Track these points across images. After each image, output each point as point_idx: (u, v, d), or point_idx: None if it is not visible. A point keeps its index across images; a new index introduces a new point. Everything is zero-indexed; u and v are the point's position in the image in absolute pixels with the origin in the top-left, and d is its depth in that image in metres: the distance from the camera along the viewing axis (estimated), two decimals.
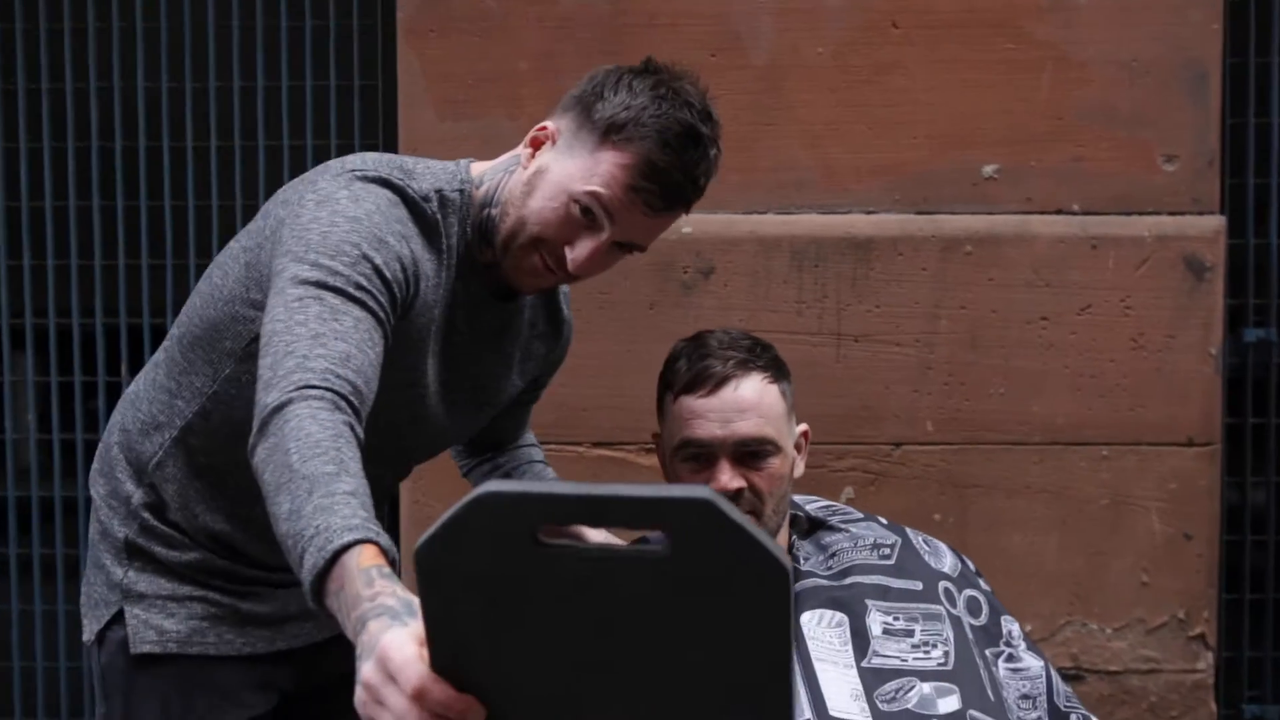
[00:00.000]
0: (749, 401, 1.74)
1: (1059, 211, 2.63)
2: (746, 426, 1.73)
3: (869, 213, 2.65)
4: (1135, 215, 2.62)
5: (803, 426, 1.85)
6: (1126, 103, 2.62)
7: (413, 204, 1.54)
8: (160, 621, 1.67)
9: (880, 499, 2.62)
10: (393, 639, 0.97)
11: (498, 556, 0.83)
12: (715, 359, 1.75)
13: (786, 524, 1.85)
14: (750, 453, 1.74)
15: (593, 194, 1.51)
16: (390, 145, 2.74)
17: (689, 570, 0.81)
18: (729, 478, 1.72)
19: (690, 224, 2.58)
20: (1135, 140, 2.62)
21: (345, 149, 2.82)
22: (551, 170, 1.54)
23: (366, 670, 0.98)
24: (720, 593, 0.82)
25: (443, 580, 0.86)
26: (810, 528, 1.89)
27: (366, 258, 1.43)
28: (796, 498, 1.95)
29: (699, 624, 0.83)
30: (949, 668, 1.71)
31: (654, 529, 0.82)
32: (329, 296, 1.38)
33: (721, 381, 1.74)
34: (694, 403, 1.75)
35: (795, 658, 1.68)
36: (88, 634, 1.71)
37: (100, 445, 1.75)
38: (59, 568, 2.94)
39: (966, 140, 2.63)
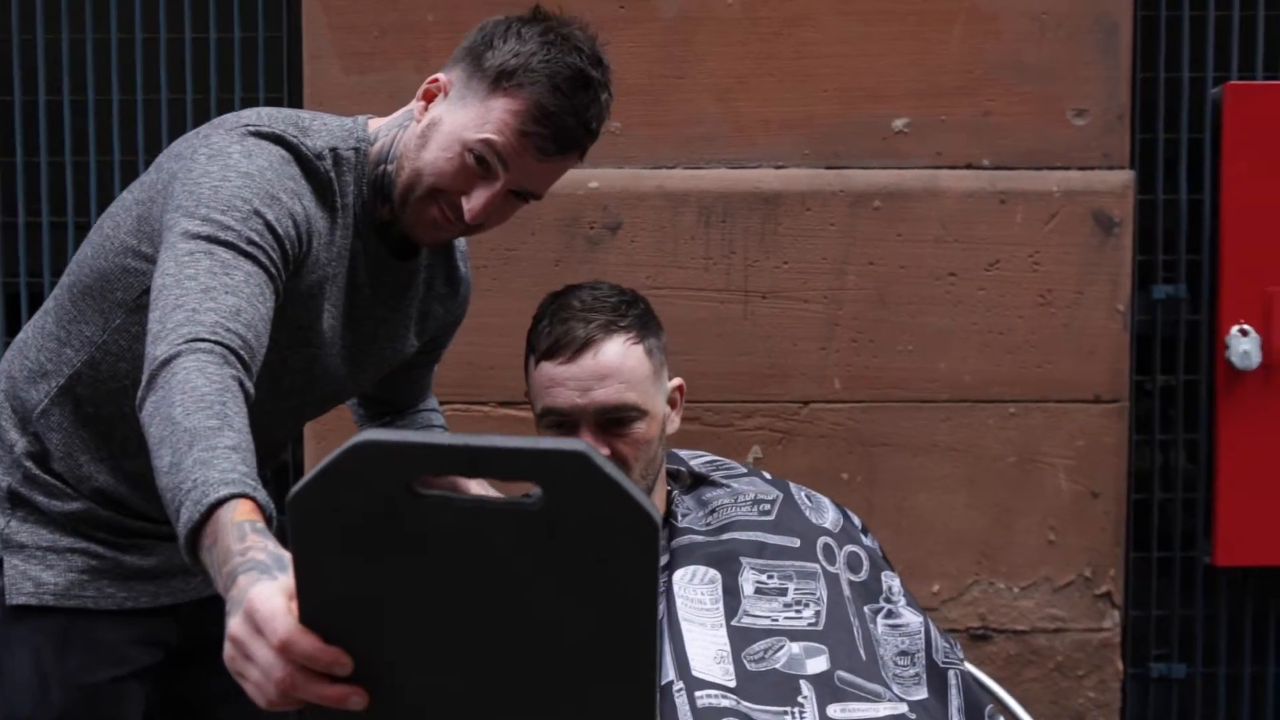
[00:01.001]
0: (609, 367, 1.70)
1: (969, 166, 2.62)
2: (606, 394, 1.70)
3: (778, 167, 2.62)
4: (1044, 170, 2.61)
5: (676, 381, 1.82)
6: (1036, 56, 2.60)
7: (306, 161, 1.55)
8: (38, 573, 1.66)
9: (788, 458, 2.60)
10: (260, 591, 0.97)
11: (372, 505, 0.84)
12: (576, 322, 1.72)
13: (663, 481, 1.83)
14: (613, 419, 1.70)
15: (486, 141, 1.53)
16: (296, 99, 2.70)
17: (562, 522, 0.83)
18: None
19: (596, 179, 2.57)
20: (1045, 94, 2.61)
21: (250, 103, 2.77)
22: (444, 121, 1.56)
23: (234, 624, 0.98)
24: (591, 546, 0.83)
25: (316, 528, 0.86)
26: (693, 483, 1.87)
27: (258, 213, 1.44)
28: (682, 453, 1.94)
29: (571, 577, 0.85)
30: (819, 627, 1.70)
31: (528, 480, 0.82)
32: (220, 251, 1.39)
33: (582, 347, 1.70)
34: (553, 369, 1.72)
35: (664, 616, 1.66)
36: None
37: None
38: None
39: (876, 94, 2.61)
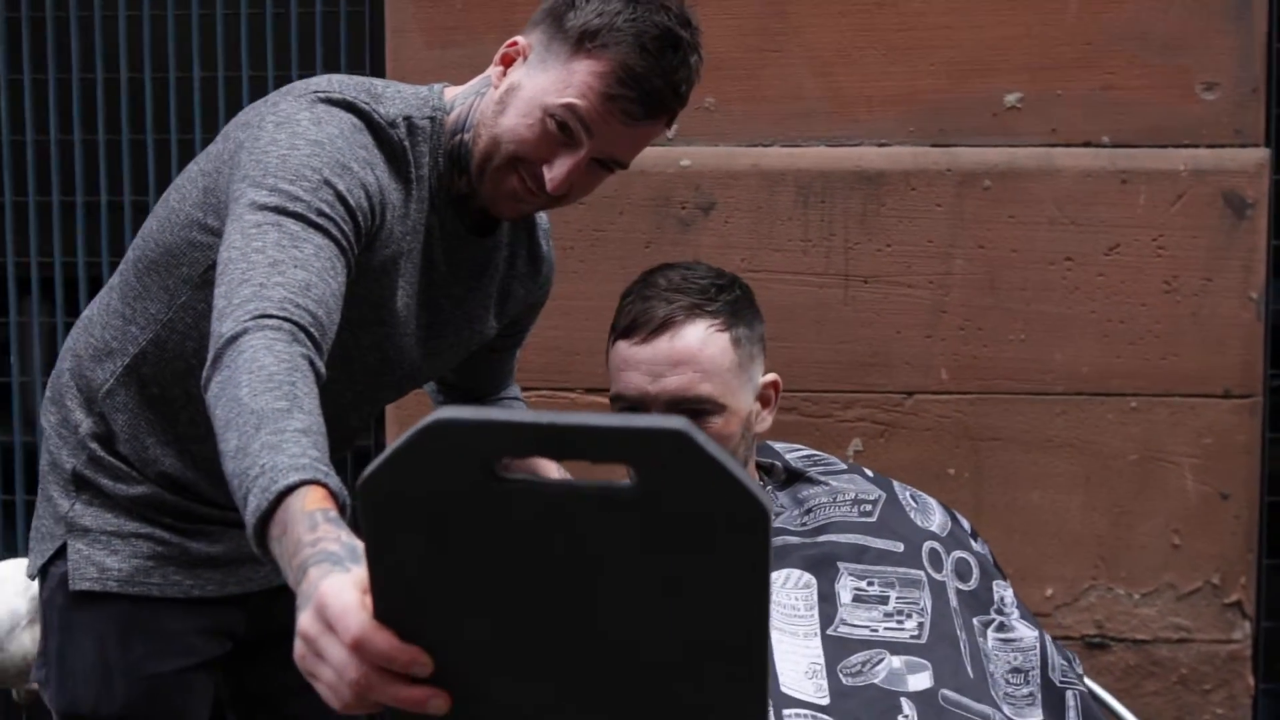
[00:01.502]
0: (685, 353, 1.58)
1: (1086, 144, 2.51)
2: (678, 382, 1.58)
3: (880, 145, 2.53)
4: (1170, 148, 2.49)
5: (771, 376, 1.70)
6: (1161, 25, 2.48)
7: (378, 130, 1.49)
8: (102, 558, 1.64)
9: (890, 451, 2.52)
10: (331, 585, 0.91)
11: (450, 490, 0.78)
12: (658, 301, 1.60)
13: (753, 476, 1.71)
14: (685, 411, 1.57)
15: (568, 106, 1.47)
16: (378, 74, 2.65)
17: (660, 509, 0.76)
18: None
19: (689, 157, 2.51)
20: (1171, 66, 2.49)
21: None
22: (524, 86, 1.50)
23: (304, 620, 0.93)
24: (692, 535, 0.77)
25: (390, 516, 0.80)
26: (788, 479, 1.76)
27: (328, 183, 1.39)
28: (777, 445, 1.83)
29: (668, 570, 0.78)
30: (923, 640, 1.57)
31: (622, 462, 0.76)
32: (288, 223, 1.34)
33: (659, 328, 1.59)
34: (628, 350, 1.61)
35: None
36: (30, 568, 1.70)
37: (53, 372, 1.72)
38: None
39: (987, 67, 2.51)
